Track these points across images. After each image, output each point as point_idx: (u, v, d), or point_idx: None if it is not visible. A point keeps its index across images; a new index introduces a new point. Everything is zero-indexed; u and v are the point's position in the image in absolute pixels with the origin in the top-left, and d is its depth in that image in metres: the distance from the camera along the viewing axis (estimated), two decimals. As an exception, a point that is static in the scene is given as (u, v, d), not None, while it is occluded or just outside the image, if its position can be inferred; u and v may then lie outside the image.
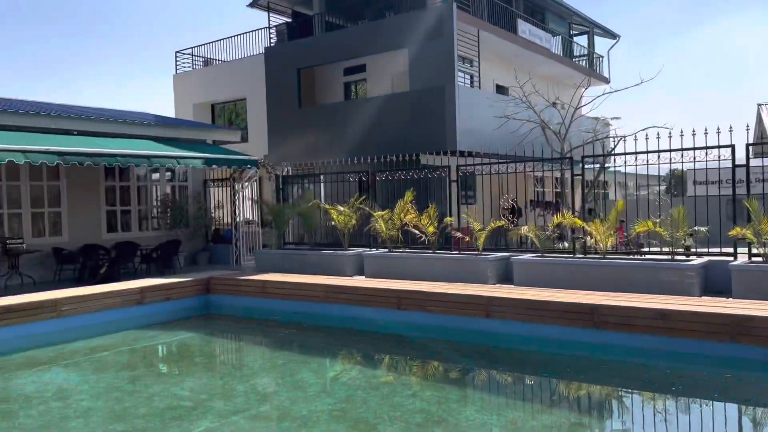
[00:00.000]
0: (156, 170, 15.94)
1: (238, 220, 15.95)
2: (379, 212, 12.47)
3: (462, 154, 15.81)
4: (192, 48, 24.57)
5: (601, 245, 10.04)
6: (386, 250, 12.50)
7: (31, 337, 9.12)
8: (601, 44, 29.80)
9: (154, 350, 9.36)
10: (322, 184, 15.16)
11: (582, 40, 28.25)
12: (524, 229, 11.05)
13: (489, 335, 8.53)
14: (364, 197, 13.23)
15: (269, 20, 22.14)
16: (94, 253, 13.44)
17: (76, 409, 6.46)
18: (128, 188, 15.26)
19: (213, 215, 16.70)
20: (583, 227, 10.41)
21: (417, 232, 12.02)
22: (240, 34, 23.23)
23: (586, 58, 27.43)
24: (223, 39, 23.72)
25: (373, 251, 12.69)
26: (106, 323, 9.97)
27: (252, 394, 6.95)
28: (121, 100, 65.11)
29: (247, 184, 16.50)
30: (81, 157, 11.36)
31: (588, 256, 10.37)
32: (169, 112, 24.07)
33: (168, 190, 16.17)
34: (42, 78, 57.25)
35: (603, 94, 16.65)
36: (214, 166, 14.08)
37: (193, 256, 15.98)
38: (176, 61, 24.71)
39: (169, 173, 16.24)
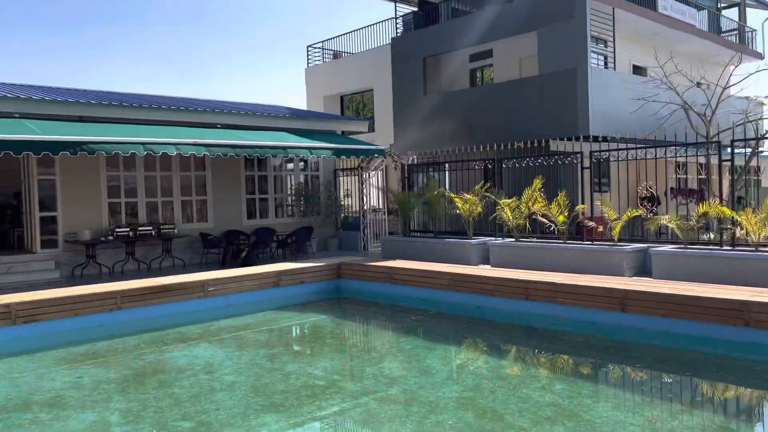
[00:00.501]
0: (290, 160, 16.75)
1: (365, 207, 16.39)
2: (506, 200, 12.25)
3: (595, 139, 15.11)
4: (322, 42, 25.44)
5: (753, 237, 9.19)
6: (513, 239, 12.27)
7: (182, 315, 10.00)
8: (755, 16, 27.09)
9: (289, 331, 9.90)
10: (447, 172, 15.17)
11: (732, 13, 25.81)
12: (664, 219, 10.37)
13: (624, 330, 8.14)
14: (489, 185, 13.07)
15: (396, 10, 22.39)
16: (235, 238, 14.42)
17: (222, 383, 7.00)
18: (265, 177, 16.19)
19: (342, 203, 17.28)
20: (732, 217, 9.58)
21: (546, 221, 11.68)
22: (368, 26, 23.71)
23: (737, 32, 25.03)
24: (351, 32, 24.35)
25: (499, 240, 12.51)
26: (247, 304, 10.70)
27: (380, 377, 7.15)
28: (256, 94, 69.01)
29: (374, 173, 16.90)
30: (225, 148, 12.21)
31: (737, 248, 9.54)
32: (302, 104, 25.18)
33: (301, 179, 16.96)
34: (186, 76, 62.03)
35: (756, 71, 15.15)
36: (343, 156, 14.55)
37: (324, 242, 16.66)
38: (308, 55, 25.73)
39: (302, 163, 17.02)
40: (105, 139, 10.92)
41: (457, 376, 7.17)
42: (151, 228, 13.31)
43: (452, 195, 13.28)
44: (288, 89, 63.28)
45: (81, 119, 12.51)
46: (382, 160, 16.18)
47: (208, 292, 10.26)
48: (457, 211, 13.13)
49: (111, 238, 12.79)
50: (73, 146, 10.46)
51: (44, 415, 6.04)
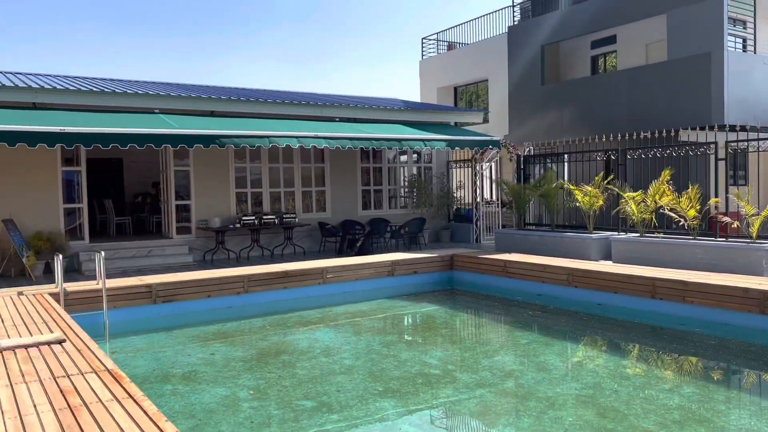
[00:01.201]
0: (404, 152, 16.95)
1: (478, 200, 16.26)
2: (630, 193, 11.67)
3: (731, 128, 14.00)
4: (437, 33, 25.42)
5: None
6: (637, 234, 11.68)
7: (302, 300, 10.46)
8: None
9: (403, 319, 10.06)
10: (565, 164, 14.68)
11: None
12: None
13: (763, 334, 7.52)
14: (611, 177, 12.50)
15: (512, -2, 21.93)
16: (351, 227, 14.84)
17: (341, 366, 7.26)
18: (380, 169, 16.50)
19: (455, 195, 17.25)
20: None
21: (674, 215, 11.01)
22: (483, 16, 23.39)
23: None
24: (466, 22, 24.14)
25: (622, 236, 11.95)
26: (362, 291, 10.99)
27: (496, 370, 7.10)
28: (370, 88, 70.26)
29: (487, 164, 16.71)
30: (344, 140, 12.59)
31: None
32: (416, 96, 25.32)
33: (414, 171, 17.11)
34: (301, 72, 64.34)
35: None
36: (457, 147, 14.51)
37: (435, 234, 16.73)
38: (422, 47, 25.82)
39: (415, 155, 17.16)
40: (234, 133, 11.60)
41: (576, 373, 6.97)
42: (274, 217, 14.00)
43: (572, 187, 12.84)
44: (402, 82, 63.87)
45: (212, 114, 13.38)
46: (497, 152, 15.95)
47: (326, 278, 10.65)
48: (577, 204, 12.69)
49: (238, 225, 13.59)
50: (207, 139, 11.21)
51: (182, 387, 6.56)
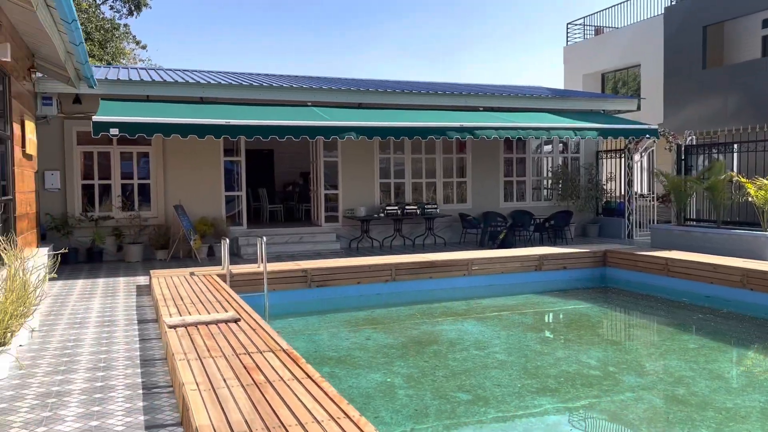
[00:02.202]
0: (549, 142, 16.34)
1: (631, 192, 15.29)
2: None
3: None
4: (583, 18, 24.24)
5: None
6: (823, 233, 10.37)
7: (448, 290, 10.43)
8: None
9: (554, 316, 9.70)
10: (734, 155, 13.37)
11: None
12: None
13: None
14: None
15: (670, -24, 20.31)
16: (493, 219, 14.57)
17: (493, 360, 7.13)
18: (523, 160, 16.04)
19: (604, 187, 16.35)
20: None
21: None
22: (635, -3, 21.90)
23: None
24: (615, 5, 22.75)
25: (805, 234, 10.67)
26: (508, 285, 10.76)
27: (663, 375, 6.61)
28: (507, 77, 68.78)
29: (641, 155, 15.65)
30: (489, 131, 12.35)
31: None
32: (558, 84, 24.35)
33: (560, 161, 16.45)
34: (435, 64, 64.29)
35: None
36: (610, 136, 13.71)
37: (582, 228, 15.99)
38: (567, 32, 24.75)
39: (561, 145, 16.48)
40: (381, 125, 11.79)
41: (760, 384, 6.31)
42: (416, 207, 14.10)
43: (743, 180, 11.67)
44: (542, 71, 61.87)
45: (360, 106, 13.70)
46: (654, 141, 14.88)
47: (472, 270, 10.54)
48: (749, 199, 11.51)
49: (382, 215, 13.84)
50: (355, 131, 11.49)
51: (338, 370, 6.77)
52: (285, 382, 3.97)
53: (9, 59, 7.21)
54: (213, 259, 12.26)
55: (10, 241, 5.75)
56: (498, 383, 6.33)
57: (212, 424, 3.26)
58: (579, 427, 5.51)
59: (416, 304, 9.86)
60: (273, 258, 11.64)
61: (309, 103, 13.16)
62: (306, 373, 4.15)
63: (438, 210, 14.43)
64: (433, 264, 10.32)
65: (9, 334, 4.89)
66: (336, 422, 3.28)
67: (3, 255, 5.50)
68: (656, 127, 14.20)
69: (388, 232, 14.31)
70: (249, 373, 4.19)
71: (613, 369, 6.79)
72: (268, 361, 4.45)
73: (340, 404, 3.54)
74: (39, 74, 10.63)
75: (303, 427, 3.23)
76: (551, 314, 9.79)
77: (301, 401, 3.61)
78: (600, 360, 7.14)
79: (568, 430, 5.41)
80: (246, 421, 3.30)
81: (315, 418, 3.34)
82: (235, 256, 12.39)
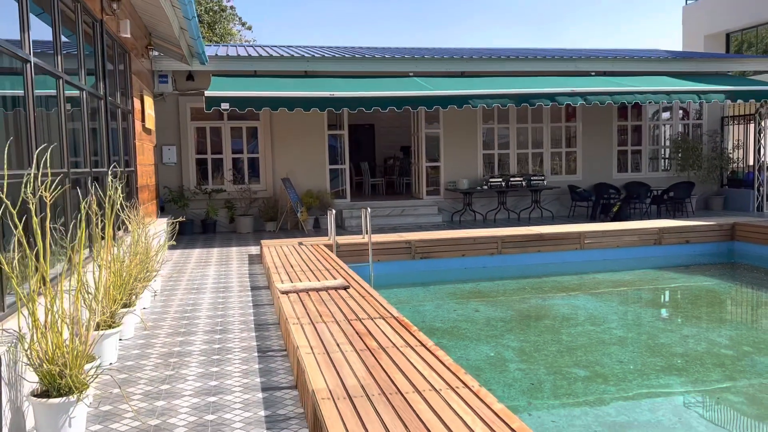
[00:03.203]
0: (668, 109, 15.19)
1: (762, 161, 13.93)
2: None
3: None
4: (706, -28, 22.21)
5: None
6: None
7: (558, 264, 9.98)
8: None
9: (676, 292, 9.03)
10: None
11: None
12: None
13: None
14: None
15: None
16: (605, 191, 13.79)
17: (611, 336, 6.71)
18: (638, 128, 15.02)
19: (730, 156, 15.02)
20: None
21: None
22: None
23: None
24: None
25: None
26: (624, 259, 10.15)
27: (811, 359, 5.94)
28: (614, 42, 65.01)
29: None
30: (602, 96, 11.61)
31: None
32: (676, 47, 22.58)
33: (680, 129, 15.26)
34: (539, 32, 61.81)
35: None
36: (739, 100, 12.50)
37: (704, 200, 14.82)
38: (686, -10, 22.83)
39: (681, 111, 15.28)
40: (486, 92, 11.38)
41: None
42: (521, 179, 13.59)
43: None
44: (657, 34, 57.97)
45: (462, 74, 13.32)
46: (790, 104, 13.44)
47: (584, 244, 10.01)
48: None
49: (485, 187, 13.47)
50: (461, 100, 11.16)
51: (446, 341, 6.62)
52: (398, 349, 3.86)
53: (129, 35, 7.53)
54: (318, 230, 12.45)
55: (133, 209, 6.03)
56: (618, 360, 5.94)
57: (328, 388, 3.20)
58: (710, 407, 5.05)
59: (524, 278, 9.52)
60: (375, 230, 11.64)
61: (411, 74, 12.95)
62: (419, 341, 4.02)
63: (545, 182, 13.85)
64: (541, 237, 9.90)
65: (134, 296, 5.13)
66: (455, 391, 3.12)
67: (127, 222, 5.77)
68: (795, 87, 12.79)
69: (492, 205, 13.93)
70: (361, 338, 4.12)
71: (750, 349, 6.20)
72: (379, 328, 4.37)
73: (457, 373, 3.38)
74: (155, 52, 11.12)
75: (420, 394, 3.10)
76: (672, 290, 9.11)
77: (416, 368, 3.48)
78: (733, 339, 6.54)
79: (699, 412, 4.97)
80: (362, 386, 3.22)
81: (432, 386, 3.20)
82: (339, 228, 12.52)
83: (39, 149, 4.15)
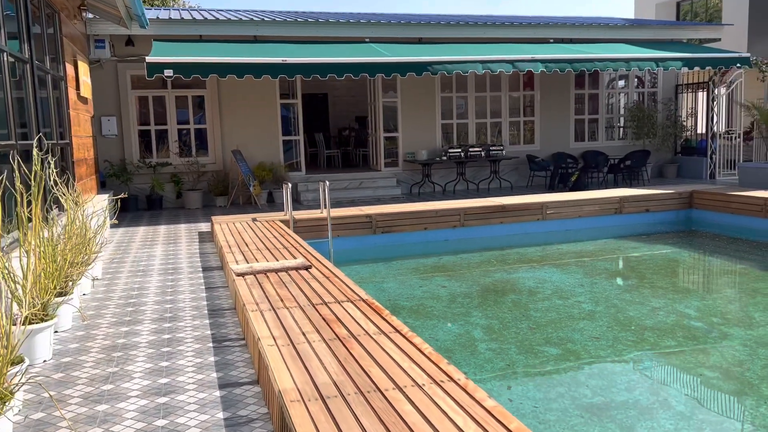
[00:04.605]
0: (623, 77, 15.14)
1: (714, 129, 14.07)
2: None
3: None
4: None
5: None
6: None
7: (520, 236, 9.81)
8: None
9: (639, 262, 8.97)
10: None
11: None
12: None
13: None
14: None
15: None
16: (563, 161, 13.69)
17: (580, 310, 6.54)
18: (596, 96, 14.94)
19: (684, 124, 15.13)
20: None
21: None
22: None
23: None
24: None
25: None
26: (585, 229, 10.05)
27: (779, 327, 5.90)
28: (563, 10, 65.24)
29: (726, 88, 14.32)
30: (562, 63, 11.38)
31: None
32: (627, 16, 22.61)
33: (635, 97, 15.25)
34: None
35: None
36: (696, 67, 12.49)
37: (658, 169, 14.92)
38: (638, -42, 22.81)
39: (636, 79, 15.26)
40: (446, 59, 10.99)
41: None
42: (480, 149, 13.34)
43: None
44: (608, 2, 58.39)
45: (420, 41, 12.86)
46: (742, 72, 13.54)
47: (546, 214, 9.85)
48: None
49: (444, 158, 13.17)
50: (420, 67, 10.74)
51: (413, 321, 6.32)
52: (371, 336, 3.50)
53: (57, -7, 6.78)
54: (273, 205, 11.93)
55: (68, 186, 5.42)
56: (588, 335, 5.76)
57: (297, 387, 2.82)
58: (690, 385, 4.91)
59: (488, 251, 9.30)
60: (333, 204, 11.21)
61: (367, 39, 12.42)
62: (393, 327, 3.67)
63: (504, 152, 13.64)
64: (504, 208, 9.68)
65: (70, 283, 4.59)
66: (440, 386, 2.78)
67: (61, 200, 5.18)
68: (748, 55, 12.87)
69: (451, 176, 13.65)
70: (329, 325, 3.74)
71: (718, 320, 6.12)
72: (348, 313, 4.00)
73: (439, 364, 3.05)
74: (90, 14, 10.25)
75: (402, 391, 2.76)
76: (635, 260, 9.05)
77: (393, 360, 3.13)
78: (700, 310, 6.47)
79: (677, 389, 4.82)
80: (336, 384, 2.85)
81: (414, 381, 2.86)
82: (295, 202, 12.01)
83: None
